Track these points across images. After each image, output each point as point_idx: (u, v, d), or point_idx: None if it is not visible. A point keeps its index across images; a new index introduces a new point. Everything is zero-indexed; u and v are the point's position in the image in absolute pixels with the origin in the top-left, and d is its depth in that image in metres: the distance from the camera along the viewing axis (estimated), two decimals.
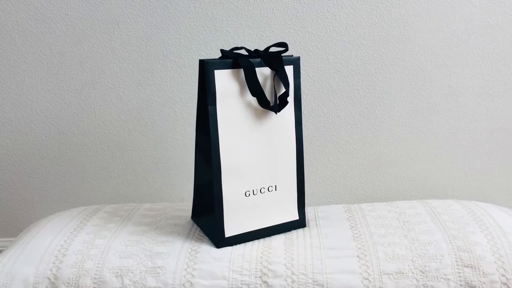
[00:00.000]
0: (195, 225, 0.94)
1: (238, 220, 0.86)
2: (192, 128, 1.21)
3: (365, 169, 1.25)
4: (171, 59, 1.18)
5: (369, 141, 1.23)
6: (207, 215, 0.89)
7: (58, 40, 1.16)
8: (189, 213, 1.00)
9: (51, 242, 0.87)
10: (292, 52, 1.14)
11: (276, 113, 0.85)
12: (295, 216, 0.92)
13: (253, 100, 0.84)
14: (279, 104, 0.85)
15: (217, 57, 0.85)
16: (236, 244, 0.86)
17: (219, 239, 0.85)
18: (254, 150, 0.86)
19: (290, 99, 0.87)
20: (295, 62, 0.87)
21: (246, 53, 0.85)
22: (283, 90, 0.85)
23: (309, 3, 1.14)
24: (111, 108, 1.20)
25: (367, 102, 1.20)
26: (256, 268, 0.80)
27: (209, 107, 0.81)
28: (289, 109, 0.87)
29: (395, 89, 1.20)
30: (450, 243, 0.83)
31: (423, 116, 1.21)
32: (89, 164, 1.24)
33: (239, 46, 0.85)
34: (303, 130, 0.90)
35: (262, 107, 0.84)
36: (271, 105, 0.84)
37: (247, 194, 0.87)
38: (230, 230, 0.86)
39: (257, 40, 1.16)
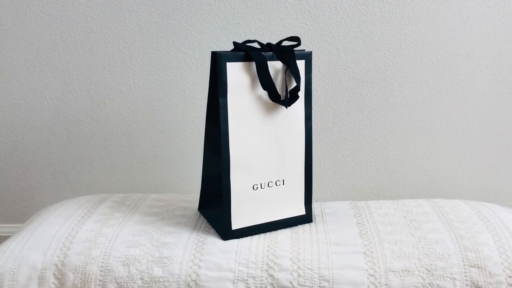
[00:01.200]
0: (202, 217, 0.94)
1: (245, 213, 0.86)
2: (201, 120, 1.21)
3: (373, 167, 1.25)
4: (182, 50, 1.17)
5: (377, 138, 1.23)
6: (214, 207, 0.89)
7: (69, 28, 1.16)
8: (196, 204, 1.00)
9: (59, 229, 0.87)
10: (303, 47, 1.13)
11: (287, 107, 0.85)
12: (302, 211, 0.92)
13: (264, 93, 0.84)
14: (290, 99, 0.85)
15: (229, 50, 0.85)
16: (242, 237, 0.86)
17: (225, 232, 0.85)
18: (264, 144, 0.86)
19: (301, 93, 0.87)
20: (307, 57, 0.87)
21: (258, 46, 0.85)
22: (294, 84, 0.85)
23: None
24: (121, 98, 1.20)
25: (377, 100, 1.20)
26: (262, 261, 0.80)
27: (220, 99, 0.81)
28: (299, 103, 0.87)
29: (405, 87, 1.19)
30: (457, 242, 0.83)
31: (432, 115, 1.21)
32: (97, 153, 1.25)
33: (250, 39, 0.85)
34: (312, 125, 0.89)
35: (273, 101, 0.84)
36: (281, 99, 0.84)
37: (255, 188, 0.87)
38: (237, 222, 0.86)
39: (268, 34, 1.16)
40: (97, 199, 1.02)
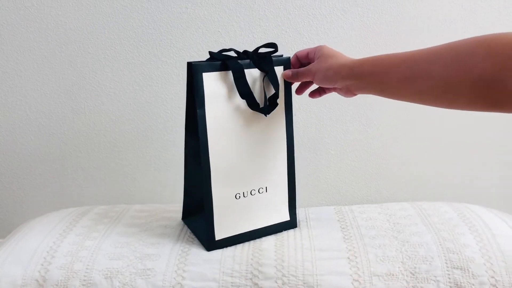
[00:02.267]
0: (186, 227, 0.93)
1: (228, 223, 0.86)
2: (183, 128, 1.20)
3: (356, 172, 1.25)
4: (162, 59, 1.17)
5: (360, 143, 1.24)
6: (197, 218, 0.88)
7: (48, 40, 1.15)
8: (179, 214, 0.99)
9: (40, 243, 0.86)
10: (283, 53, 1.14)
11: (266, 115, 0.85)
12: (286, 217, 0.91)
13: (243, 102, 0.83)
14: (269, 106, 0.84)
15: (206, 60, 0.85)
16: (226, 246, 0.86)
17: (209, 243, 0.85)
18: (245, 152, 0.85)
19: (281, 100, 0.86)
20: (286, 63, 0.86)
21: (235, 55, 0.84)
22: (273, 91, 0.84)
23: (301, 5, 1.15)
24: (102, 109, 1.20)
25: (359, 105, 1.21)
26: (246, 270, 0.79)
27: (197, 110, 0.80)
28: (279, 110, 0.87)
29: None
30: (440, 245, 0.83)
31: (415, 119, 1.22)
32: (79, 165, 1.23)
33: (229, 48, 0.85)
34: (294, 132, 0.89)
35: (252, 109, 0.83)
36: (260, 107, 0.84)
37: (238, 197, 0.86)
38: (220, 233, 0.85)
39: (248, 41, 1.16)
40: (79, 212, 1.01)
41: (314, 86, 0.88)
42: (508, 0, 1.15)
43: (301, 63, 0.87)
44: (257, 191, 0.88)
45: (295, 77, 0.84)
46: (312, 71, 0.80)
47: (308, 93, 0.90)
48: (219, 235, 0.85)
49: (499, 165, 1.26)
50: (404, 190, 1.27)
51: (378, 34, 1.16)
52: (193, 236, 0.89)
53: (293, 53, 0.87)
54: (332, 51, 0.80)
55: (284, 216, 0.91)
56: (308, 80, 0.83)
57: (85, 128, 1.21)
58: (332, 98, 1.20)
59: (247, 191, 0.87)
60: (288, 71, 0.85)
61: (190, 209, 0.92)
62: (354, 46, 1.17)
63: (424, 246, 0.83)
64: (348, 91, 0.78)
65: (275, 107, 0.85)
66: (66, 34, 1.15)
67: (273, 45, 0.85)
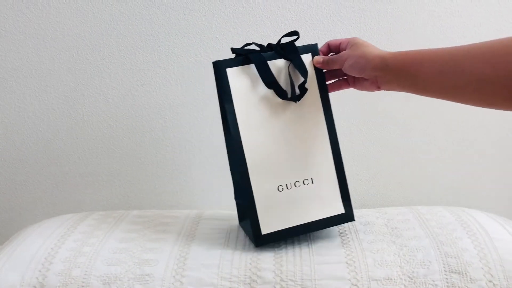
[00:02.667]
0: (184, 232, 0.93)
1: (274, 217, 0.84)
2: (182, 135, 1.21)
3: (354, 176, 1.26)
4: (161, 66, 1.18)
5: (356, 147, 1.24)
6: (244, 216, 0.88)
7: (46, 46, 1.16)
8: (178, 219, 0.99)
9: (38, 249, 0.86)
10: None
11: (296, 102, 0.84)
12: (341, 210, 0.87)
13: (271, 93, 0.83)
14: (299, 94, 0.84)
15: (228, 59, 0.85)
16: (276, 241, 0.85)
17: (256, 238, 0.83)
18: (281, 143, 0.84)
19: (314, 87, 0.86)
20: (313, 49, 0.86)
21: (257, 48, 0.85)
22: (301, 79, 0.84)
23: (298, 10, 1.15)
24: (100, 115, 1.20)
25: (355, 109, 1.21)
26: (245, 275, 0.79)
27: (226, 105, 0.82)
28: (314, 97, 0.86)
29: (383, 95, 1.21)
30: (438, 249, 0.84)
31: (412, 123, 1.22)
32: (77, 171, 1.23)
33: (249, 42, 0.86)
34: None
35: (281, 98, 0.83)
36: (289, 96, 0.84)
37: (280, 189, 0.84)
38: (266, 227, 0.84)
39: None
40: (77, 218, 1.01)
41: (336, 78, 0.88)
42: (504, 3, 1.16)
43: (330, 53, 0.88)
44: (301, 182, 0.85)
45: (326, 63, 0.84)
46: (344, 57, 0.80)
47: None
48: (265, 229, 0.83)
49: (498, 169, 1.26)
50: (402, 195, 1.27)
51: (375, 40, 1.17)
52: (191, 241, 0.89)
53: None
54: (365, 42, 0.80)
55: (338, 209, 0.87)
56: (337, 67, 0.83)
57: (83, 134, 1.21)
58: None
59: (290, 183, 0.85)
60: (319, 57, 0.85)
61: (240, 209, 0.92)
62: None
63: (422, 251, 0.83)
64: (373, 84, 0.78)
65: (304, 94, 0.84)
66: (64, 41, 1.16)
67: (295, 33, 0.86)
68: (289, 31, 0.88)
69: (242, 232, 0.93)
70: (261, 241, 0.84)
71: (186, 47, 1.17)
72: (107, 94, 1.19)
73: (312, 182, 0.86)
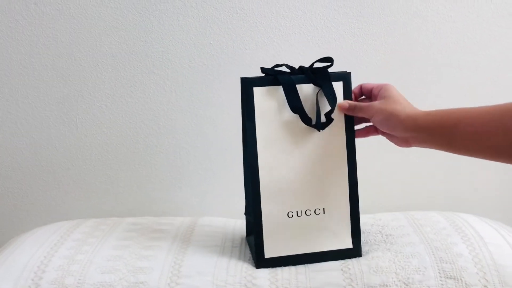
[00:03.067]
0: (179, 240, 0.93)
1: (279, 242, 0.83)
2: (176, 141, 1.20)
3: None
4: (154, 72, 1.17)
5: None
6: (251, 234, 0.87)
7: (39, 52, 1.15)
8: (172, 226, 0.99)
9: (31, 258, 0.85)
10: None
11: (319, 131, 0.82)
12: (348, 244, 0.86)
13: (296, 117, 0.82)
14: (324, 122, 0.82)
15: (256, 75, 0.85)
16: (277, 266, 0.83)
17: (258, 260, 0.83)
18: (298, 169, 0.83)
19: (340, 116, 0.83)
20: (346, 78, 0.83)
21: (287, 70, 0.84)
22: (329, 107, 0.82)
23: (292, 16, 1.15)
24: (94, 121, 1.19)
25: None
26: (240, 283, 0.79)
27: (247, 124, 0.81)
28: (338, 127, 0.84)
29: None
30: (433, 255, 0.84)
31: None
32: (70, 178, 1.22)
33: (280, 63, 0.85)
34: None
35: (306, 124, 0.82)
36: (313, 123, 0.82)
37: (290, 215, 0.84)
38: (270, 251, 0.83)
39: (239, 52, 1.16)
40: (71, 225, 1.00)
41: (363, 124, 0.86)
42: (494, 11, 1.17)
43: (360, 96, 0.85)
44: (313, 211, 0.84)
45: (353, 110, 0.81)
46: (373, 110, 0.77)
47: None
48: (269, 253, 0.83)
49: (492, 173, 1.27)
50: (396, 200, 1.27)
51: (369, 46, 1.17)
52: (186, 248, 0.88)
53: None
54: (399, 96, 0.76)
55: (345, 243, 0.85)
56: (364, 116, 0.81)
57: (77, 140, 1.20)
58: None
59: (301, 211, 0.84)
60: (345, 103, 0.82)
61: (249, 226, 0.91)
62: (345, 57, 1.18)
63: (417, 257, 0.83)
64: (405, 142, 0.76)
65: (329, 123, 0.83)
66: (57, 47, 1.15)
67: (329, 59, 0.83)
68: (323, 56, 0.85)
69: (237, 240, 0.93)
70: (263, 263, 0.83)
71: (180, 52, 1.16)
72: (101, 101, 1.18)
73: (324, 213, 0.85)
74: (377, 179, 1.26)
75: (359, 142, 1.22)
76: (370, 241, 0.91)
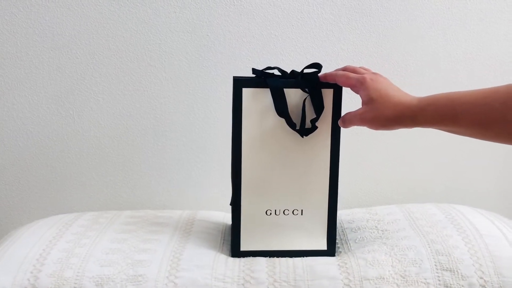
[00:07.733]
0: (178, 233, 0.93)
1: (256, 237, 0.86)
2: (173, 134, 1.20)
3: (345, 174, 1.26)
4: (151, 64, 1.17)
5: (348, 146, 1.24)
6: (231, 225, 0.90)
7: (35, 45, 1.15)
8: (171, 220, 0.99)
9: (29, 251, 0.85)
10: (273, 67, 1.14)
11: (302, 137, 0.83)
12: (323, 246, 0.88)
13: (282, 120, 0.83)
14: (307, 128, 0.83)
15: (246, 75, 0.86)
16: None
17: (234, 250, 0.86)
18: (280, 171, 0.85)
19: (327, 124, 0.84)
20: (336, 85, 0.82)
21: (279, 73, 0.84)
22: (314, 114, 0.83)
23: (289, 20, 1.15)
24: (90, 114, 1.19)
25: (348, 108, 1.21)
26: (238, 276, 0.80)
27: (234, 122, 0.83)
28: (324, 133, 0.84)
29: None
30: (429, 247, 0.84)
31: None
32: (68, 171, 1.22)
33: (277, 60, 0.85)
34: None
35: (291, 128, 0.83)
36: (297, 128, 0.83)
37: (268, 213, 0.86)
38: (246, 244, 0.86)
39: (238, 46, 1.16)
40: (69, 218, 1.00)
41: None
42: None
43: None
44: (291, 212, 0.87)
45: (343, 123, 0.82)
46: (366, 120, 0.76)
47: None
48: (244, 246, 0.86)
49: (488, 166, 1.28)
50: (392, 192, 1.28)
51: (367, 54, 1.17)
52: (185, 242, 0.89)
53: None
54: (383, 92, 0.74)
55: (320, 244, 0.88)
56: (358, 125, 0.79)
57: (74, 133, 1.20)
58: None
59: (279, 210, 0.86)
60: (340, 121, 0.82)
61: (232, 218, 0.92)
62: (345, 61, 1.18)
63: (413, 249, 0.84)
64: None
65: (314, 130, 0.83)
66: (53, 40, 1.15)
67: (317, 66, 0.84)
68: (312, 62, 0.85)
69: None
70: (238, 254, 0.86)
71: (177, 45, 1.16)
72: (98, 93, 1.18)
73: (302, 214, 0.87)
74: (373, 171, 1.26)
75: (353, 134, 1.23)
76: (366, 237, 0.91)
